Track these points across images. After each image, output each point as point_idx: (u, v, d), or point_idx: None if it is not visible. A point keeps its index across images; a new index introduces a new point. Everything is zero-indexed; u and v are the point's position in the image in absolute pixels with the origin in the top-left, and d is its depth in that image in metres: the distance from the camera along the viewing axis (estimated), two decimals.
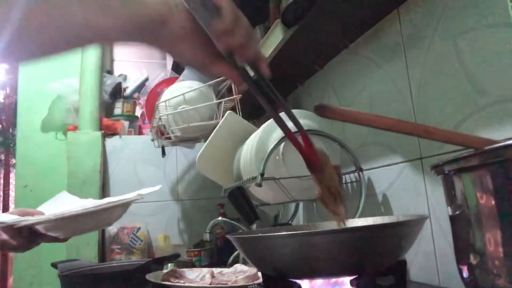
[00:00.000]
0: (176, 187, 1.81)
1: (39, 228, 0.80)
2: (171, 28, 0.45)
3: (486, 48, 0.63)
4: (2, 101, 4.18)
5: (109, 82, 1.94)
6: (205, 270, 0.91)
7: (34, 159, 1.78)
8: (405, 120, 0.73)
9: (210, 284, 0.80)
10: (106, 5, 0.42)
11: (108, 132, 1.79)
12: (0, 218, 0.81)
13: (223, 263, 1.21)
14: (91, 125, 1.75)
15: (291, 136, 0.55)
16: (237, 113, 1.26)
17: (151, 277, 0.85)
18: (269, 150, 0.90)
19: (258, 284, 0.78)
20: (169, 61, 2.19)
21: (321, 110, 0.48)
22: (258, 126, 1.06)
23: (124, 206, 0.87)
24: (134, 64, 2.17)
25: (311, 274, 0.55)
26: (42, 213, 0.86)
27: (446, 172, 0.41)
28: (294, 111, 1.02)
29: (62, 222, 0.79)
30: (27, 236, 0.81)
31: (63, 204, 0.83)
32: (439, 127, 0.66)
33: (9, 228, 0.79)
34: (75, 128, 1.75)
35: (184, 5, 0.45)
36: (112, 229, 1.59)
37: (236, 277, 0.81)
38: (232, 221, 1.29)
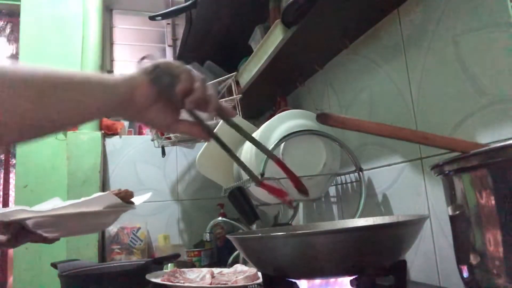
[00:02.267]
0: (176, 187, 1.81)
1: (29, 224, 0.79)
2: (138, 101, 0.52)
3: (486, 48, 0.63)
4: None
5: None
6: (205, 270, 0.91)
7: (34, 159, 1.78)
8: (404, 125, 0.75)
9: (210, 284, 0.80)
10: (88, 94, 0.48)
11: (108, 132, 1.79)
12: None
13: (223, 263, 1.21)
14: (91, 125, 1.75)
15: (262, 185, 0.62)
16: (237, 113, 1.26)
17: (151, 277, 0.85)
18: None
19: (258, 284, 0.78)
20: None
21: (323, 118, 0.50)
22: (258, 126, 1.06)
23: (116, 213, 0.86)
24: (134, 64, 2.17)
25: (311, 274, 0.55)
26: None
27: (446, 172, 0.41)
28: (295, 111, 1.02)
29: (53, 220, 0.78)
30: (16, 233, 0.80)
31: (55, 205, 0.82)
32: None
33: None
34: (75, 128, 1.75)
35: (147, 79, 0.52)
36: (112, 229, 1.59)
37: (236, 277, 0.81)
38: (232, 221, 1.29)
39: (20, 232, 0.80)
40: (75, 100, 0.47)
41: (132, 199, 0.87)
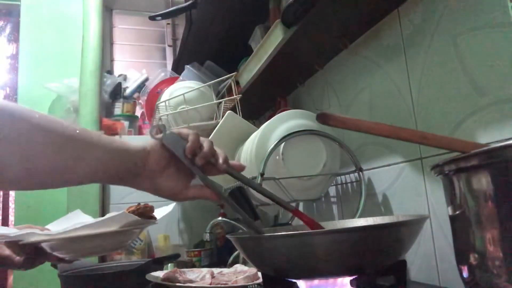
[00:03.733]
0: None
1: (45, 246, 0.75)
2: (149, 166, 0.55)
3: (486, 48, 0.63)
4: None
5: (109, 82, 1.94)
6: (205, 270, 0.91)
7: None
8: (404, 125, 0.75)
9: (210, 284, 0.80)
10: (99, 157, 0.50)
11: (108, 132, 1.79)
12: (4, 231, 0.76)
13: (223, 263, 1.21)
14: (91, 125, 1.75)
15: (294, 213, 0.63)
16: (237, 113, 1.26)
17: (151, 277, 0.85)
18: (269, 150, 0.90)
19: (258, 284, 0.78)
20: (169, 61, 2.19)
21: (323, 118, 0.51)
22: (258, 126, 1.06)
23: (138, 230, 0.83)
24: (134, 64, 2.17)
25: (311, 274, 0.55)
26: (48, 231, 0.81)
27: (446, 172, 0.41)
28: (295, 111, 1.03)
29: (70, 243, 0.74)
30: (31, 254, 0.77)
31: (73, 225, 0.76)
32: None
33: (13, 244, 0.75)
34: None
35: (157, 146, 0.56)
36: None
37: (236, 277, 0.81)
38: (232, 221, 1.29)
39: (36, 253, 0.78)
40: (92, 156, 0.50)
41: (154, 213, 0.84)
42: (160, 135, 0.57)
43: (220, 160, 0.58)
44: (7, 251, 0.76)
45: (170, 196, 0.58)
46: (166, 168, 0.56)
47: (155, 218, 0.84)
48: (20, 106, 0.46)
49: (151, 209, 0.84)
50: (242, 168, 0.61)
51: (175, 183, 0.57)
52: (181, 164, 0.57)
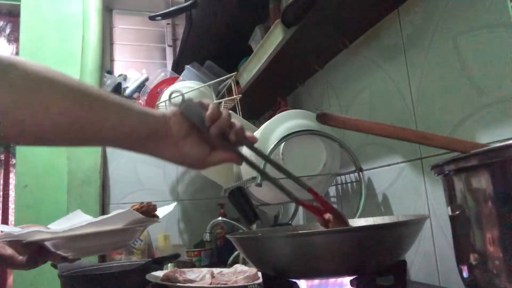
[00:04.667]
0: (176, 187, 1.81)
1: (48, 245, 0.75)
2: (172, 131, 0.55)
3: (486, 48, 0.63)
4: None
5: (109, 82, 1.94)
6: (205, 270, 0.91)
7: (34, 159, 1.78)
8: (404, 125, 0.75)
9: (210, 284, 0.80)
10: (124, 115, 0.51)
11: None
12: (6, 229, 0.76)
13: (223, 263, 1.21)
14: None
15: (300, 203, 0.62)
16: (237, 113, 1.26)
17: (151, 277, 0.85)
18: (269, 150, 0.90)
19: (258, 284, 0.78)
20: (169, 61, 2.19)
21: (323, 118, 0.51)
22: (258, 126, 1.06)
23: (142, 228, 0.82)
24: (134, 64, 2.17)
25: (311, 274, 0.55)
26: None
27: (446, 172, 0.41)
28: (295, 111, 1.03)
29: (74, 241, 0.74)
30: (34, 253, 0.76)
31: (77, 223, 0.75)
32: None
33: (16, 243, 0.74)
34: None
35: (177, 114, 0.56)
36: None
37: (236, 277, 0.81)
38: (232, 221, 1.29)
39: (39, 252, 0.77)
40: (116, 114, 0.50)
41: (156, 212, 0.83)
42: (179, 103, 0.57)
43: (232, 133, 0.58)
44: (9, 251, 0.76)
45: (195, 163, 0.58)
46: (189, 135, 0.56)
47: (157, 217, 0.84)
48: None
49: (154, 207, 0.84)
50: (255, 139, 0.60)
51: (198, 150, 0.57)
52: (203, 132, 0.57)
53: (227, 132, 0.57)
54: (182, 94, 0.59)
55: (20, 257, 0.76)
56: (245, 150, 0.60)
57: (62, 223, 0.88)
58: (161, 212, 0.87)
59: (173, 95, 0.60)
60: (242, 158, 0.59)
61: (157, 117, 0.55)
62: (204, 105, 0.58)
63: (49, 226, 0.85)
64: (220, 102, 1.39)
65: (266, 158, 0.65)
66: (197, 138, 0.57)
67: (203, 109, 0.57)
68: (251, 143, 0.60)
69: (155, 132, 0.54)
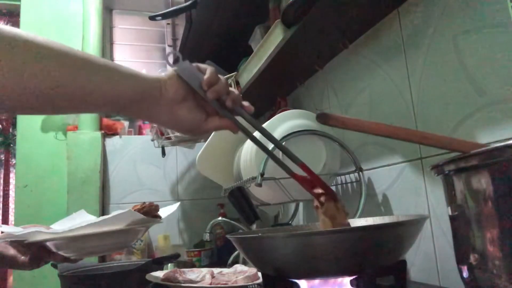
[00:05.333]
0: (176, 187, 1.81)
1: (50, 245, 0.75)
2: (167, 95, 0.54)
3: (486, 48, 0.63)
4: None
5: None
6: (205, 270, 0.91)
7: (34, 159, 1.78)
8: (404, 125, 0.75)
9: (210, 284, 0.80)
10: (113, 77, 0.50)
11: (108, 132, 1.80)
12: (8, 230, 0.76)
13: (223, 263, 1.21)
14: (91, 125, 1.75)
15: (292, 175, 0.62)
16: (253, 108, 1.25)
17: (151, 277, 0.85)
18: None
19: (258, 284, 0.78)
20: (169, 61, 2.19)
21: (323, 118, 0.51)
22: None
23: (144, 229, 0.82)
24: (134, 64, 2.17)
25: (311, 274, 0.55)
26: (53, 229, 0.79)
27: (446, 172, 0.41)
28: (295, 111, 1.03)
29: (75, 241, 0.73)
30: (36, 253, 0.76)
31: (79, 223, 0.74)
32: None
33: (18, 243, 0.74)
34: (75, 128, 1.75)
35: (174, 76, 0.55)
36: None
37: (236, 277, 0.81)
38: (232, 221, 1.29)
39: (41, 252, 0.77)
40: (106, 77, 0.49)
41: (159, 212, 0.83)
42: (175, 64, 0.56)
43: (229, 100, 0.57)
44: (12, 251, 0.76)
45: (190, 128, 0.57)
46: (185, 100, 0.56)
47: (160, 217, 0.84)
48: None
49: (156, 208, 0.83)
50: (250, 109, 0.60)
51: (194, 115, 0.56)
52: (200, 97, 0.56)
53: (224, 99, 0.56)
54: (179, 55, 0.57)
55: (23, 257, 0.76)
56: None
57: (65, 223, 0.88)
58: (164, 212, 0.87)
59: (169, 56, 0.58)
60: (238, 126, 0.58)
61: (149, 80, 0.53)
62: (202, 68, 0.57)
63: (52, 226, 0.85)
64: None
65: (261, 129, 0.62)
66: (193, 103, 0.56)
67: (201, 72, 0.56)
68: (247, 112, 0.59)
69: (148, 95, 0.53)
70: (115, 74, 0.50)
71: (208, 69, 0.56)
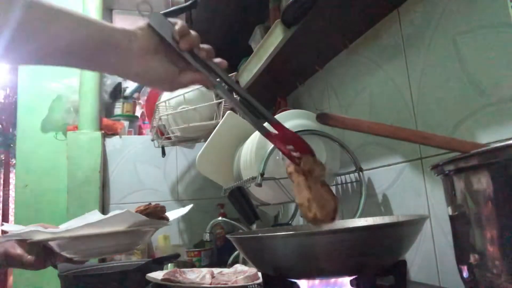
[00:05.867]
0: (176, 187, 1.81)
1: (53, 245, 0.74)
2: (138, 43, 0.53)
3: (486, 48, 0.63)
4: (2, 101, 4.17)
5: (109, 82, 1.94)
6: (205, 270, 0.91)
7: (34, 159, 1.78)
8: (404, 125, 0.75)
9: (210, 284, 0.80)
10: (78, 22, 0.50)
11: (108, 132, 1.79)
12: (10, 228, 0.75)
13: (223, 263, 1.21)
14: (91, 125, 1.75)
15: (267, 136, 0.59)
16: (237, 113, 1.26)
17: (151, 277, 0.85)
18: (269, 150, 0.90)
19: (258, 284, 0.78)
20: None
21: (323, 118, 0.51)
22: None
23: (151, 230, 0.80)
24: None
25: (311, 274, 0.55)
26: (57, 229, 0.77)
27: (446, 172, 0.41)
28: (295, 111, 1.02)
29: (76, 242, 0.72)
30: (40, 253, 0.75)
31: (70, 226, 0.73)
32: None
33: (24, 242, 0.73)
34: (75, 128, 1.75)
35: (145, 28, 0.54)
36: None
37: (236, 277, 0.81)
38: (232, 221, 1.29)
39: (45, 252, 0.76)
40: (70, 22, 0.49)
41: (167, 214, 0.81)
42: (147, 13, 0.55)
43: (203, 51, 0.56)
44: (19, 250, 0.75)
45: (162, 82, 0.57)
46: (157, 53, 0.55)
47: (167, 219, 0.83)
48: None
49: (162, 209, 0.81)
50: (223, 64, 0.59)
51: (167, 68, 0.56)
52: (172, 49, 0.55)
53: (197, 51, 0.56)
54: (151, 6, 0.56)
55: (29, 257, 0.75)
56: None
57: (77, 221, 0.86)
58: (173, 214, 0.86)
59: (141, 6, 0.57)
60: (211, 81, 0.57)
61: (116, 28, 0.52)
62: (172, 22, 0.56)
63: (61, 226, 0.83)
64: (220, 102, 1.39)
65: (230, 83, 0.59)
66: (165, 57, 0.56)
67: (172, 24, 0.56)
68: (219, 66, 0.58)
69: (114, 44, 0.52)
70: (80, 17, 0.50)
71: (178, 21, 0.56)
